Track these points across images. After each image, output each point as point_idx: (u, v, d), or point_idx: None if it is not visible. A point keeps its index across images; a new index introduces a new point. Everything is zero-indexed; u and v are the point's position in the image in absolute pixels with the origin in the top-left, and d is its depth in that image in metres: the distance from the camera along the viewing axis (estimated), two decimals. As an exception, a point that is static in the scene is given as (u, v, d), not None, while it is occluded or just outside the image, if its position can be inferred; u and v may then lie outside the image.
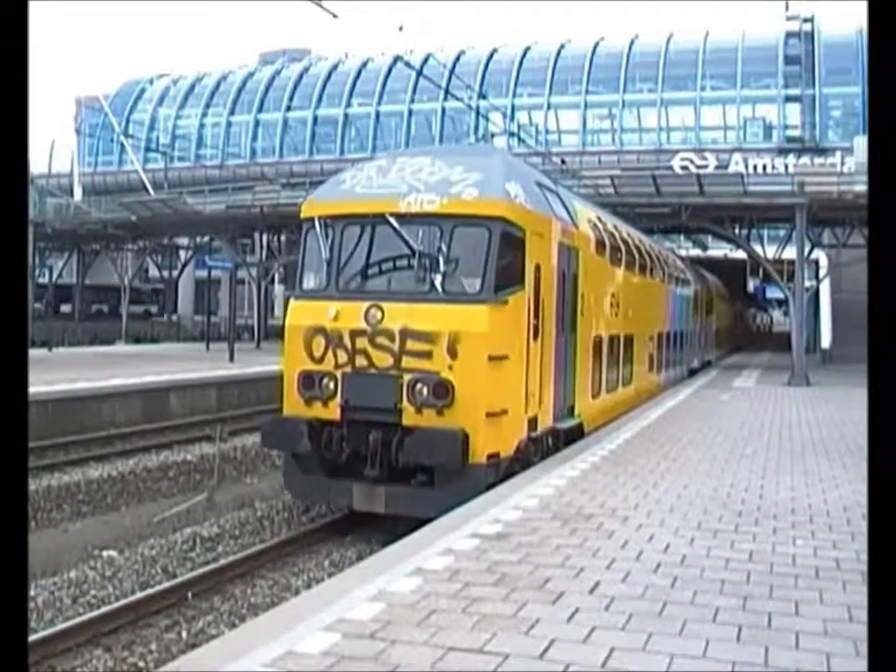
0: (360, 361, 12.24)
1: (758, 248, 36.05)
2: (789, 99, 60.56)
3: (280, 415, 13.13)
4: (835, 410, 21.52)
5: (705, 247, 51.22)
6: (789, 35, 61.18)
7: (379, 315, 12.12)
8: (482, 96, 57.65)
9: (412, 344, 11.91)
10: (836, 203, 31.73)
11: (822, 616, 6.35)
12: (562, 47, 67.06)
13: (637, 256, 22.40)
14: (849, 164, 39.95)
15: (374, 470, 12.03)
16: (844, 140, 51.44)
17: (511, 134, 55.89)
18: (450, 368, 11.77)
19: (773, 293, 49.94)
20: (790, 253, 33.91)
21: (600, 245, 18.00)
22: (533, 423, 13.18)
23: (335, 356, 12.37)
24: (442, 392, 11.73)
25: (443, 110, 64.18)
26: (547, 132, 64.47)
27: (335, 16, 21.01)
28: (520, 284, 12.67)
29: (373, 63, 71.33)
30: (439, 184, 12.66)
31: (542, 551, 7.95)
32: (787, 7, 61.21)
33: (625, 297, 20.16)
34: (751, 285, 48.49)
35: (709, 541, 8.46)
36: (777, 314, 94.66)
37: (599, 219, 19.11)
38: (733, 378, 32.36)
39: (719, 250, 49.85)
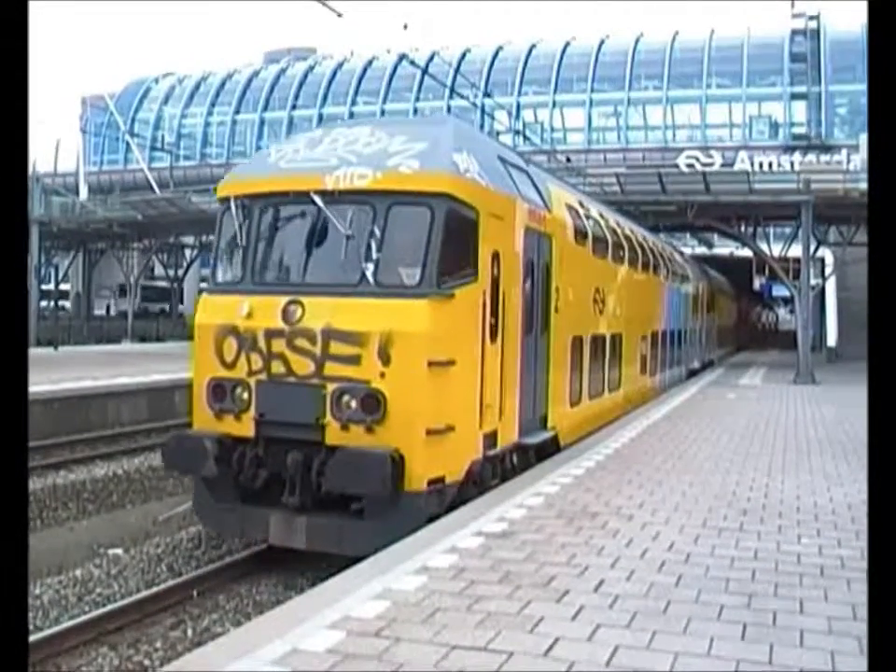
0: (277, 367, 10.37)
1: (764, 246, 36.03)
2: (795, 97, 60.55)
3: (185, 431, 11.51)
4: (841, 408, 21.50)
5: (711, 245, 51.20)
6: (794, 32, 61.15)
7: (299, 311, 10.30)
8: (487, 94, 57.61)
9: (336, 347, 10.05)
10: (842, 200, 31.70)
11: (827, 614, 6.35)
12: (567, 45, 67.09)
13: (627, 247, 20.47)
14: (855, 162, 39.87)
15: (294, 498, 10.23)
16: (850, 137, 51.36)
17: (517, 133, 55.84)
18: (382, 376, 9.88)
19: (779, 291, 49.78)
20: (795, 251, 33.89)
21: (580, 233, 15.93)
22: (491, 439, 11.29)
23: (248, 361, 10.53)
24: (372, 405, 9.85)
25: (449, 108, 64.14)
26: (552, 130, 64.58)
27: (340, 15, 21.04)
28: (472, 274, 10.75)
29: (378, 61, 71.43)
30: (374, 156, 10.84)
31: (547, 549, 7.95)
32: (793, 5, 61.22)
33: (613, 292, 18.46)
34: (757, 283, 48.35)
35: (714, 539, 8.46)
36: (782, 312, 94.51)
37: (581, 204, 17.03)
38: (739, 376, 32.37)
39: (725, 248, 49.83)
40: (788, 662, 5.44)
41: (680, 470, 12.08)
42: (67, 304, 66.47)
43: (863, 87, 56.58)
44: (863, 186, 31.60)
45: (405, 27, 29.63)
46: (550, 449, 13.58)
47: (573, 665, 5.31)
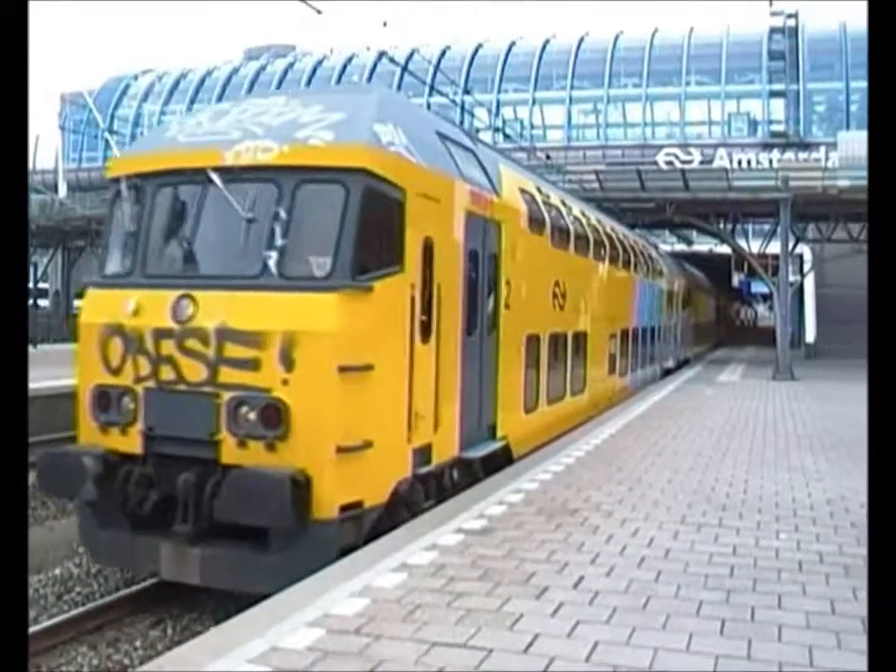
0: (166, 373, 8.94)
1: (743, 243, 36.19)
2: (773, 94, 60.79)
3: (62, 447, 10.01)
4: (819, 404, 21.61)
5: (690, 242, 51.38)
6: (773, 30, 61.35)
7: (190, 308, 8.87)
8: (466, 92, 57.69)
9: (233, 350, 8.63)
10: (820, 197, 31.92)
11: (805, 609, 6.38)
12: (547, 42, 67.15)
13: (593, 239, 19.00)
14: (833, 159, 40.20)
15: (186, 525, 8.71)
16: (828, 135, 51.73)
17: (497, 130, 55.85)
18: (284, 383, 8.47)
19: (758, 288, 50.22)
20: (774, 248, 34.11)
21: (537, 221, 14.55)
22: (423, 454, 10.03)
23: (135, 365, 9.09)
24: (273, 418, 8.45)
25: (428, 105, 64.08)
26: (532, 127, 64.57)
27: (319, 12, 20.96)
28: (395, 264, 9.35)
29: (358, 58, 71.27)
30: (283, 127, 9.48)
31: (527, 545, 7.96)
32: (771, 3, 61.36)
33: (576, 287, 17.11)
34: (736, 279, 48.65)
35: (693, 535, 8.49)
36: (761, 308, 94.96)
37: (539, 190, 15.53)
38: (718, 372, 32.49)
39: (704, 245, 50.01)
40: (766, 656, 5.46)
41: (660, 467, 12.11)
42: (46, 303, 66.10)
43: (841, 85, 57.13)
44: (841, 183, 31.87)
45: (385, 24, 29.59)
46: (500, 461, 12.32)
47: (553, 662, 5.33)
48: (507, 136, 53.56)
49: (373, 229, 9.11)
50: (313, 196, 9.11)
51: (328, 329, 8.55)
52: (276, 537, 8.53)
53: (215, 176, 9.11)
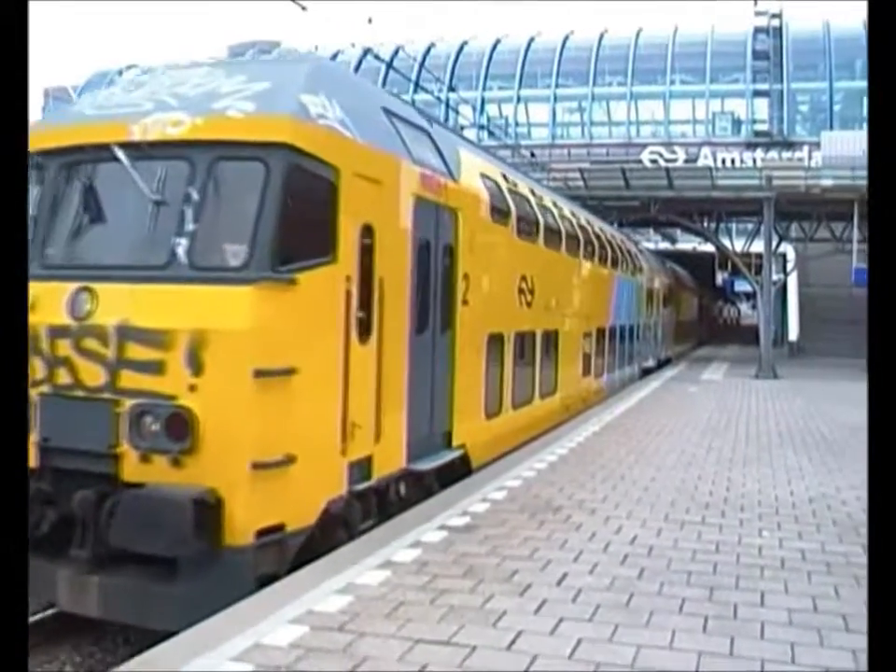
0: (63, 377, 7.81)
1: (726, 242, 36.31)
2: (757, 94, 60.98)
3: None
4: (802, 402, 21.70)
5: (674, 241, 51.52)
6: (757, 30, 61.56)
7: (89, 302, 7.71)
8: (451, 89, 57.59)
9: (135, 351, 7.48)
10: (804, 196, 32.05)
11: (787, 606, 6.40)
12: (531, 40, 67.16)
13: (565, 231, 17.80)
14: (816, 158, 40.36)
15: (84, 550, 7.56)
16: (811, 135, 51.98)
17: (481, 127, 55.85)
18: (192, 389, 7.31)
19: (741, 286, 50.28)
20: (758, 247, 34.22)
21: (501, 210, 13.39)
22: (362, 468, 8.91)
23: (30, 367, 7.81)
24: (179, 429, 7.29)
25: (413, 102, 63.99)
26: (517, 125, 64.57)
27: (304, 8, 20.89)
28: (326, 253, 8.18)
29: (343, 55, 71.09)
30: (199, 98, 8.38)
31: (510, 543, 7.96)
32: (755, 3, 61.63)
33: (545, 282, 15.89)
34: (719, 278, 48.79)
35: (676, 533, 8.50)
36: (744, 307, 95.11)
37: (505, 178, 14.42)
38: (701, 371, 32.59)
39: (688, 244, 50.14)
40: (749, 654, 5.48)
41: (643, 464, 12.13)
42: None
43: (825, 85, 57.37)
44: (824, 182, 32.00)
45: (370, 21, 29.43)
46: (459, 471, 11.34)
47: (536, 659, 5.33)
48: (491, 134, 53.59)
49: (299, 213, 7.91)
50: (229, 175, 7.90)
51: (241, 327, 7.37)
52: (185, 565, 7.32)
53: (119, 153, 7.92)
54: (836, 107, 58.86)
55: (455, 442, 11.34)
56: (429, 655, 5.35)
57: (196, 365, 7.31)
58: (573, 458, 12.49)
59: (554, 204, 17.92)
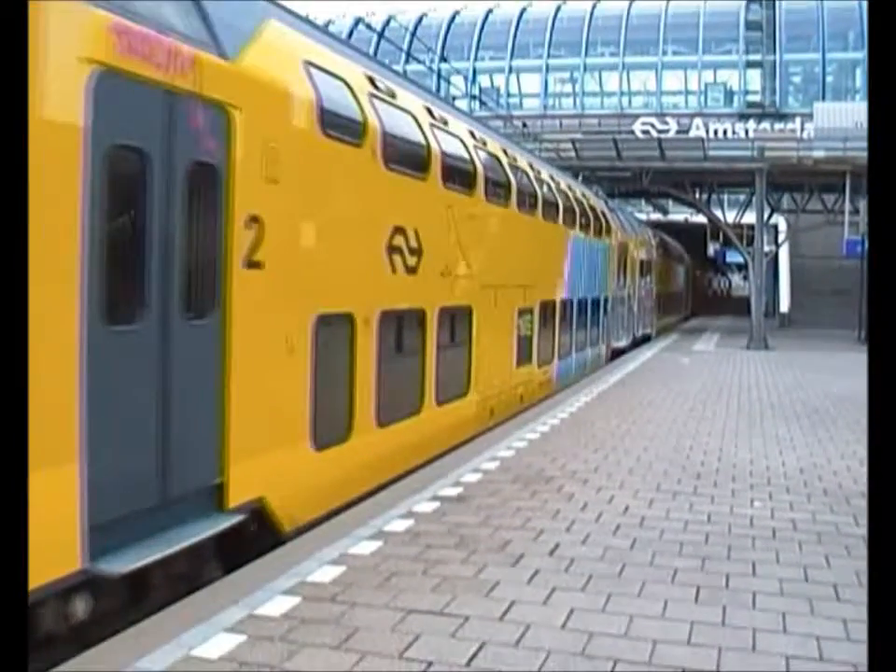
0: None
1: (718, 213, 36.28)
2: (749, 65, 60.73)
3: None
4: (793, 373, 21.74)
5: (665, 212, 51.47)
6: (750, 0, 61.21)
7: None
8: (443, 59, 57.33)
9: None
10: (796, 168, 32.06)
11: (779, 576, 6.43)
12: (523, 10, 66.74)
13: (482, 169, 13.31)
14: (809, 130, 40.30)
15: None
16: (804, 106, 51.79)
17: (473, 98, 55.62)
18: None
19: (733, 257, 50.30)
20: (749, 218, 34.22)
21: (347, 122, 9.20)
22: None
23: None
24: None
25: (405, 73, 63.66)
26: (508, 95, 64.29)
27: (295, -24, 20.74)
28: None
29: (334, 25, 70.65)
30: None
31: (502, 513, 7.97)
32: (748, -27, 61.27)
33: (448, 240, 11.77)
34: (711, 249, 48.78)
35: (668, 503, 8.52)
36: (736, 278, 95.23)
37: (373, 81, 10.25)
38: (693, 342, 32.66)
39: (679, 215, 50.11)
40: (740, 623, 5.50)
41: (635, 435, 12.16)
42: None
43: (817, 56, 57.22)
44: (816, 154, 31.99)
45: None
46: (248, 549, 7.06)
47: (529, 628, 5.34)
48: (483, 104, 53.39)
49: None
50: None
51: None
52: None
53: None
54: (829, 79, 58.68)
55: (235, 498, 7.01)
56: (422, 625, 5.36)
57: None
58: (565, 429, 12.50)
59: (472, 134, 13.68)
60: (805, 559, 6.88)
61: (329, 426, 8.70)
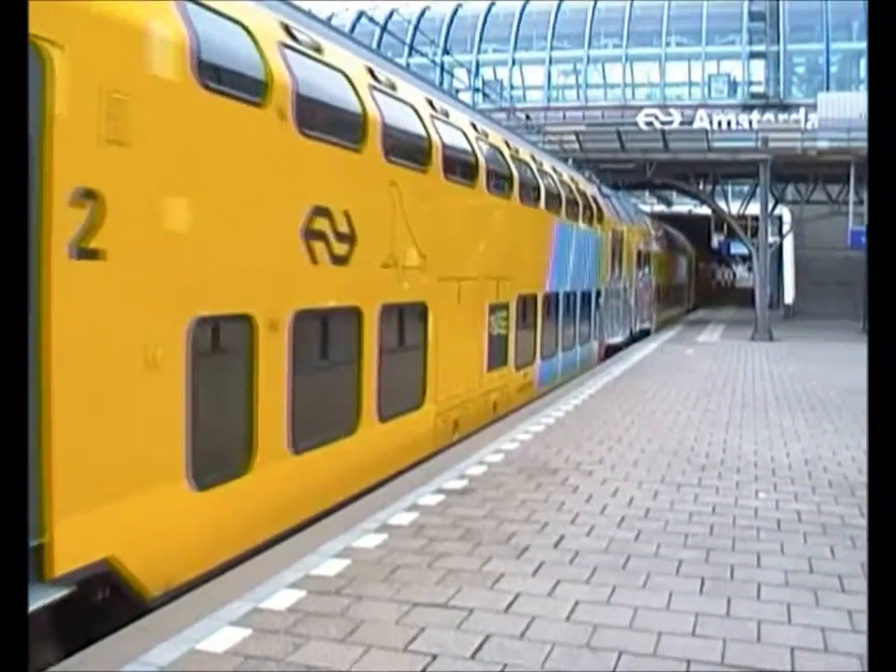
0: None
1: (722, 204, 36.20)
2: (753, 55, 60.52)
3: None
4: (798, 365, 21.70)
5: (669, 203, 51.38)
6: (754, -10, 61.06)
7: None
8: (446, 52, 57.22)
9: None
10: (800, 158, 31.98)
11: (784, 567, 6.42)
12: (526, 3, 66.60)
13: (442, 146, 11.43)
14: (813, 121, 40.21)
15: None
16: (808, 97, 51.63)
17: (476, 90, 55.54)
18: None
19: (737, 249, 50.28)
20: (753, 209, 34.14)
21: (238, 72, 7.46)
22: None
23: None
24: None
25: (408, 66, 63.58)
26: (512, 87, 64.17)
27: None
28: None
29: (337, 18, 70.54)
30: None
31: (507, 505, 7.97)
32: (752, -37, 61.07)
33: (393, 224, 9.98)
34: (715, 240, 48.71)
35: (673, 495, 8.52)
36: (740, 269, 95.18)
37: (288, 29, 8.30)
38: (697, 333, 32.62)
39: (683, 206, 50.02)
40: (745, 614, 5.50)
41: (639, 427, 12.15)
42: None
43: (821, 46, 57.05)
44: (820, 144, 31.92)
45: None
46: (98, 623, 5.60)
47: (534, 621, 5.34)
48: (486, 97, 53.32)
49: None
50: None
51: None
52: None
53: None
54: (833, 69, 58.47)
55: (62, 563, 5.38)
56: (427, 618, 5.36)
57: None
58: (570, 421, 12.49)
59: (430, 103, 11.82)
60: (809, 550, 6.87)
61: (217, 458, 6.98)
